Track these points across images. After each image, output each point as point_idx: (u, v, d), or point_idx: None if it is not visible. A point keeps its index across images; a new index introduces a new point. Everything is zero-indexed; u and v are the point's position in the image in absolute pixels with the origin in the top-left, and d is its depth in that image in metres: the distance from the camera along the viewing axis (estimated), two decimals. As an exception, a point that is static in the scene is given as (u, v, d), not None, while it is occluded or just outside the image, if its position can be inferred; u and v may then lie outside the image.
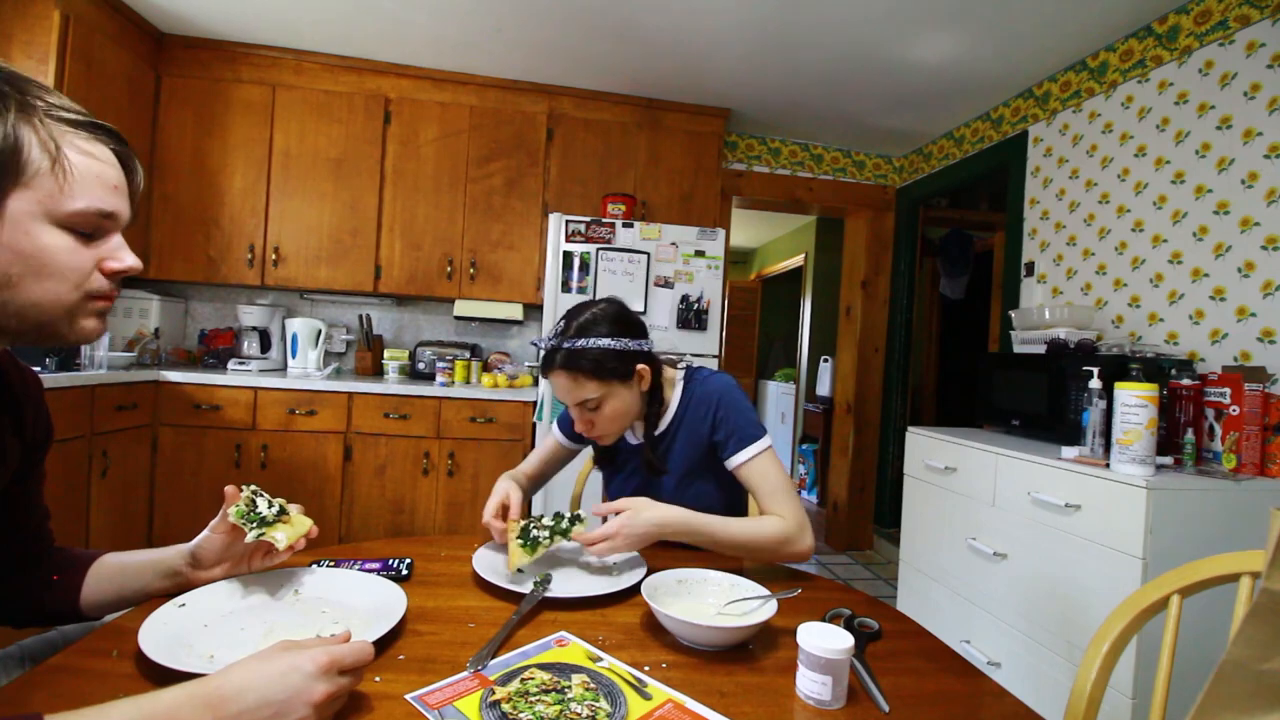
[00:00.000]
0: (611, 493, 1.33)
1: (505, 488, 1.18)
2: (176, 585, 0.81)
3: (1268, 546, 0.48)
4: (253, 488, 0.85)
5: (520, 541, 0.97)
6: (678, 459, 1.21)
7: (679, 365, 1.28)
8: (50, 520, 0.83)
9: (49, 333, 0.62)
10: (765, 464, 1.13)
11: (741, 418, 1.15)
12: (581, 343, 1.09)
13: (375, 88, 2.94)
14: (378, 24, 2.60)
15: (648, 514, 1.01)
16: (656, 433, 1.22)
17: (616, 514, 1.01)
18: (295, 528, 0.85)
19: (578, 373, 1.09)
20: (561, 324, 1.14)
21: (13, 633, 0.80)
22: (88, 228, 0.61)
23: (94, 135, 0.61)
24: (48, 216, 0.58)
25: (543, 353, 1.15)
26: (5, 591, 0.78)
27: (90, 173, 0.60)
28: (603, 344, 1.09)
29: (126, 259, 0.64)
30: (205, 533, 0.82)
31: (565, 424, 1.35)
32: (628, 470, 1.28)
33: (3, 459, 0.71)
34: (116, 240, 0.64)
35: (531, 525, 1.00)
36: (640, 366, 1.14)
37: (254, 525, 0.81)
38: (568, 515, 1.03)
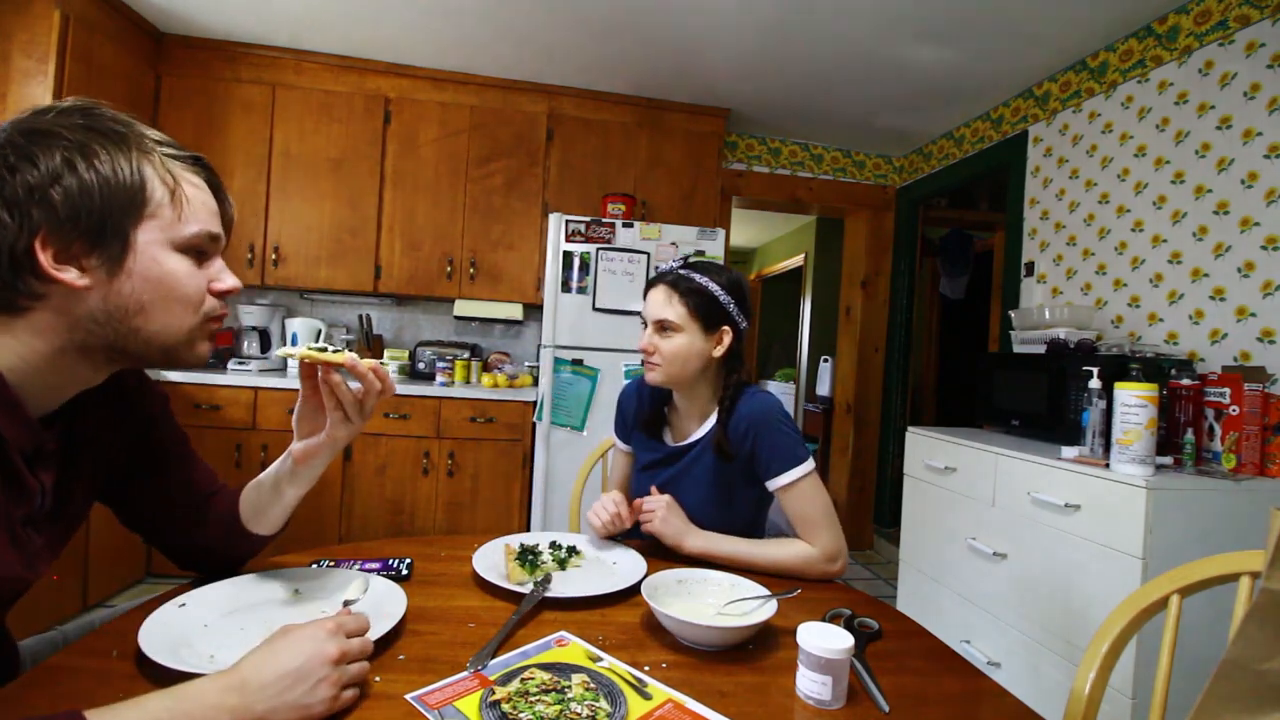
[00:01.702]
0: (638, 482, 1.30)
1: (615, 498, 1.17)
2: (307, 475, 0.86)
3: (1268, 546, 0.48)
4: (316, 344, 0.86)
5: (519, 562, 0.97)
6: (706, 467, 1.20)
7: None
8: (208, 477, 0.89)
9: (172, 356, 0.67)
10: (805, 489, 1.12)
11: (781, 440, 1.14)
12: (696, 275, 1.18)
13: (375, 88, 2.94)
14: (378, 24, 2.60)
15: (690, 542, 1.09)
16: (692, 438, 1.23)
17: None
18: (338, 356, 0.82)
19: (675, 293, 1.17)
20: (690, 258, 1.22)
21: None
22: (200, 248, 0.66)
23: (194, 167, 0.67)
24: (170, 243, 0.64)
25: (659, 273, 1.22)
26: (183, 548, 0.88)
27: (198, 200, 0.66)
28: (710, 286, 1.17)
29: (228, 280, 0.70)
30: (296, 408, 0.84)
31: (617, 429, 1.40)
32: (659, 469, 1.27)
33: (113, 453, 0.78)
34: (219, 263, 0.70)
35: (531, 552, 1.02)
36: (725, 327, 1.19)
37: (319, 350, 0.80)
38: (565, 545, 1.07)
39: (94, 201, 0.59)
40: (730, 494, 1.19)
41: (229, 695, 0.54)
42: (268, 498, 0.87)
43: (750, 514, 1.22)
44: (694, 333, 1.17)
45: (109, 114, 0.63)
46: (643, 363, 1.21)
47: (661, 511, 1.11)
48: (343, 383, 0.79)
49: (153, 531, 0.87)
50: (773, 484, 1.14)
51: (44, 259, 0.58)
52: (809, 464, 1.13)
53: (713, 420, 1.21)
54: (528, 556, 0.99)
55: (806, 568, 1.07)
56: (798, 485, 1.12)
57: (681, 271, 1.19)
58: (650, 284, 1.22)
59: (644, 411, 1.31)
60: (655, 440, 1.29)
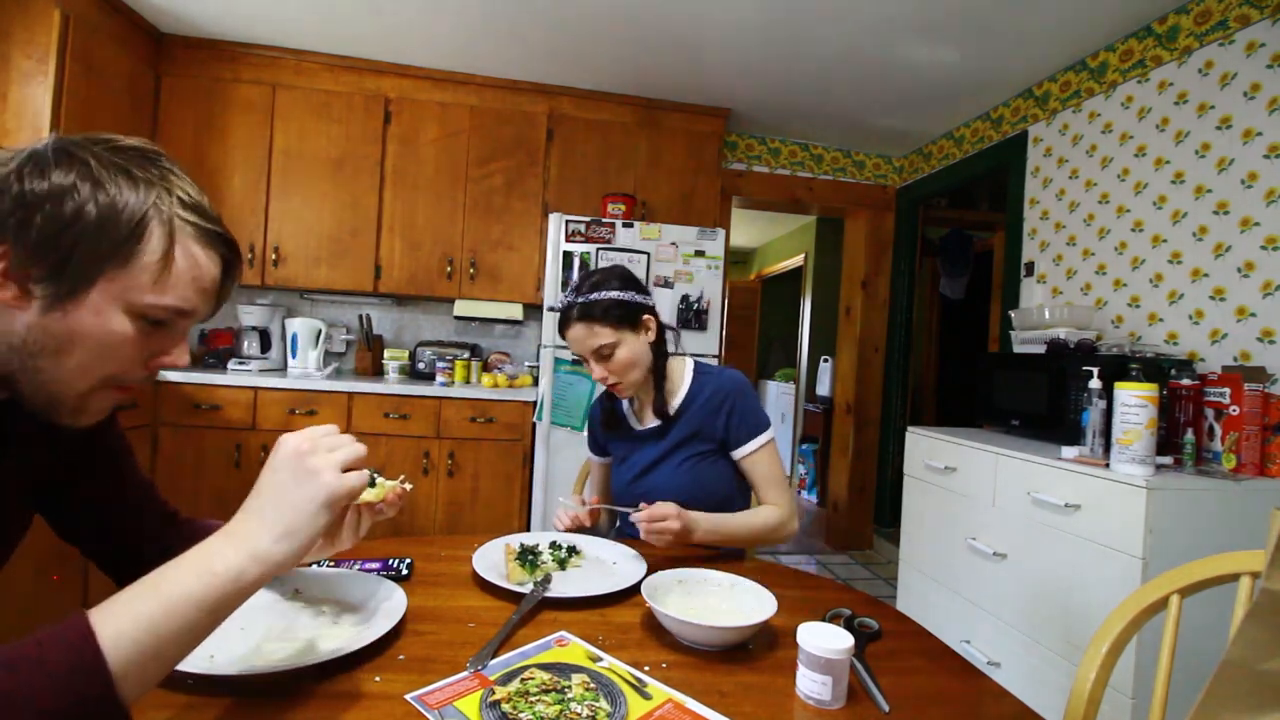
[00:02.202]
0: (619, 475, 1.37)
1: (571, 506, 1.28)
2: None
3: (1267, 546, 0.48)
4: None
5: (519, 562, 0.97)
6: (685, 439, 1.28)
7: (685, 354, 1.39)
8: (158, 501, 0.85)
9: (52, 409, 0.60)
10: (766, 455, 1.27)
11: (750, 410, 1.27)
12: (594, 295, 1.23)
13: (375, 88, 2.94)
14: (378, 24, 2.60)
15: (697, 535, 1.14)
16: (655, 423, 1.31)
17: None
18: (380, 489, 0.79)
19: (592, 321, 1.22)
20: (575, 284, 1.27)
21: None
22: (159, 318, 0.59)
23: (211, 243, 0.61)
24: (125, 304, 0.57)
25: (559, 313, 1.27)
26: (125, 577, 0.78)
27: (188, 275, 0.59)
28: (612, 295, 1.23)
29: (181, 359, 0.63)
30: None
31: (592, 444, 1.47)
32: (634, 455, 1.35)
33: (37, 463, 0.71)
34: (179, 338, 0.63)
35: (531, 552, 1.02)
36: (646, 316, 1.27)
37: None
38: (566, 545, 1.08)
39: (72, 238, 0.54)
40: (701, 465, 1.27)
41: (235, 541, 0.52)
42: None
43: (727, 482, 1.29)
44: (627, 337, 1.24)
45: (159, 161, 0.59)
46: (608, 388, 1.29)
47: (674, 524, 1.08)
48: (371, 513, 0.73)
49: (89, 546, 0.80)
50: (740, 451, 1.26)
51: None
52: (771, 430, 1.28)
53: (684, 391, 1.31)
54: (528, 557, 0.99)
55: (781, 526, 1.22)
56: (763, 450, 1.26)
57: (581, 301, 1.23)
58: (561, 325, 1.26)
59: (604, 414, 1.40)
60: (624, 431, 1.37)
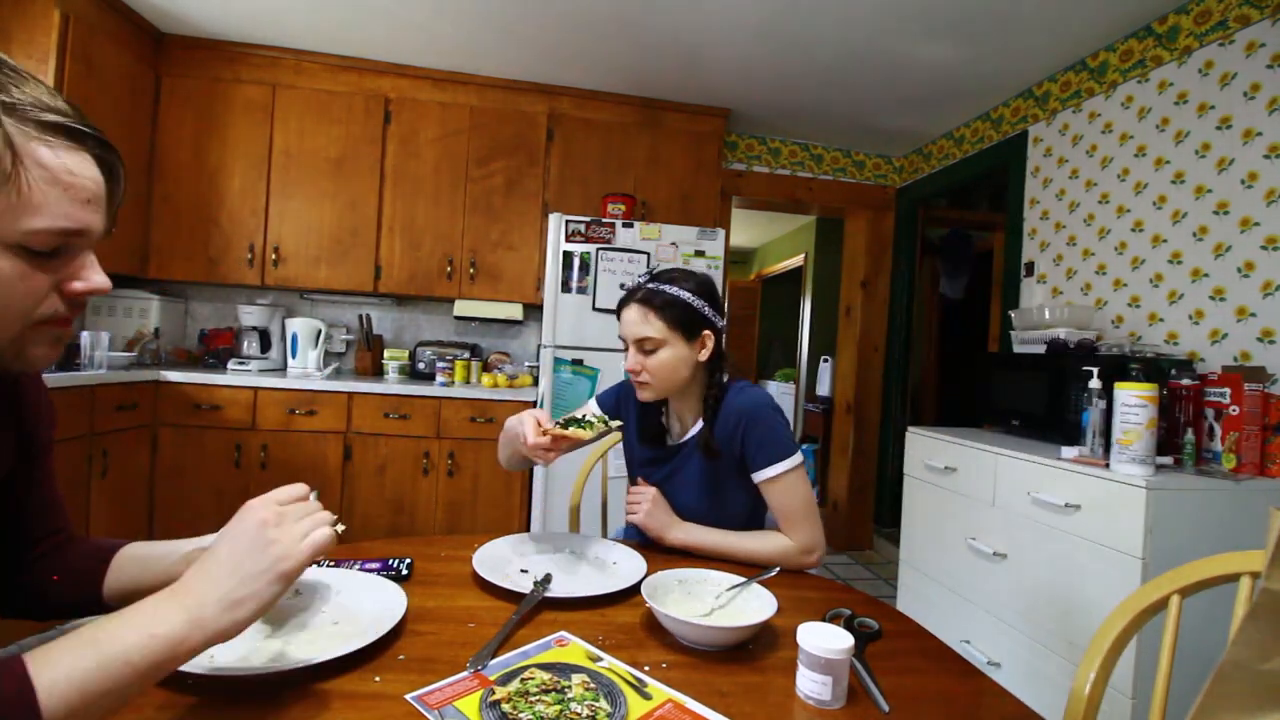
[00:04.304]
0: (634, 479, 1.34)
1: (530, 412, 1.11)
2: None
3: (1267, 546, 0.48)
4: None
5: (574, 428, 1.03)
6: (697, 465, 1.21)
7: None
8: (59, 513, 0.78)
9: None
10: (787, 484, 1.14)
11: (768, 434, 1.15)
12: (664, 286, 1.17)
13: (375, 88, 2.94)
14: (378, 24, 2.60)
15: (672, 534, 1.14)
16: (685, 438, 1.24)
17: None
18: None
19: (649, 309, 1.15)
20: (654, 269, 1.22)
21: (14, 632, 0.80)
22: (45, 247, 0.52)
23: (72, 142, 0.53)
24: None
25: (626, 291, 1.21)
26: (12, 587, 0.74)
27: (55, 189, 0.51)
28: (681, 294, 1.16)
29: (94, 279, 0.56)
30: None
31: (605, 403, 1.36)
32: (657, 467, 1.28)
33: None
34: (85, 258, 0.56)
35: (570, 417, 1.08)
36: (706, 332, 1.18)
37: None
38: (598, 416, 1.13)
39: None
40: (721, 491, 1.20)
41: (179, 598, 0.50)
42: (154, 567, 0.74)
43: (744, 510, 1.22)
44: (677, 344, 1.16)
45: None
46: (633, 381, 1.21)
47: (646, 505, 1.15)
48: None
49: None
50: (757, 476, 1.16)
51: None
52: (795, 459, 1.15)
53: (700, 424, 1.22)
54: (575, 422, 1.06)
55: (783, 560, 1.09)
56: (782, 479, 1.14)
57: (650, 285, 1.18)
58: (621, 303, 1.21)
59: (648, 426, 1.30)
60: (655, 440, 1.30)
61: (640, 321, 1.16)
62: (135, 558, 0.76)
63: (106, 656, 0.47)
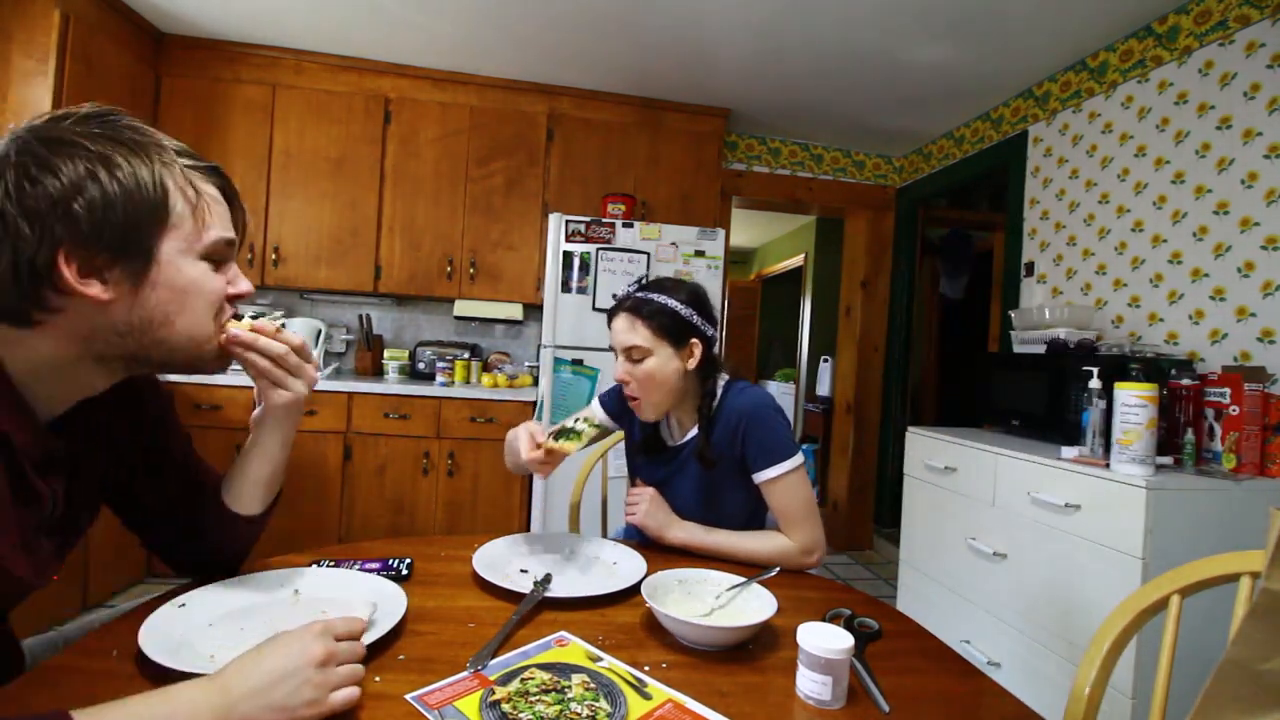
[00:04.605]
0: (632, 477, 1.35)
1: (525, 426, 1.15)
2: (261, 446, 0.85)
3: (1267, 546, 0.48)
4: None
5: (563, 440, 1.03)
6: (695, 467, 1.21)
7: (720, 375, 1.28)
8: (215, 477, 0.88)
9: (196, 364, 0.69)
10: (788, 484, 1.14)
11: (768, 435, 1.15)
12: (652, 295, 1.18)
13: (375, 88, 2.94)
14: (378, 24, 2.60)
15: (672, 534, 1.14)
16: (683, 440, 1.24)
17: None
18: None
19: (637, 318, 1.17)
20: (644, 279, 1.24)
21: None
22: (219, 256, 0.68)
23: (208, 175, 0.68)
24: (193, 252, 0.65)
25: (617, 300, 1.24)
26: (192, 550, 0.86)
27: (216, 209, 0.67)
28: (669, 303, 1.17)
29: (243, 284, 0.72)
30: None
31: (609, 406, 1.39)
32: (656, 469, 1.29)
33: (121, 459, 0.78)
34: (234, 268, 0.71)
35: (562, 426, 1.09)
36: (694, 340, 1.19)
37: None
38: (590, 422, 1.14)
39: (117, 214, 0.58)
40: (719, 493, 1.20)
41: (212, 697, 0.54)
42: (236, 472, 0.85)
43: (743, 512, 1.22)
44: (664, 351, 1.17)
45: (127, 122, 0.63)
46: (627, 395, 1.21)
47: (645, 505, 1.15)
48: (247, 354, 0.76)
49: (154, 533, 0.85)
50: (758, 477, 1.16)
51: (68, 273, 0.57)
52: (795, 459, 1.15)
53: (695, 431, 1.22)
54: (565, 433, 1.06)
55: (784, 560, 1.09)
56: (782, 480, 1.14)
57: (639, 295, 1.19)
58: (611, 312, 1.22)
59: (646, 437, 1.30)
60: (653, 442, 1.30)
61: (628, 330, 1.18)
62: (230, 477, 0.86)
63: None
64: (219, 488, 0.86)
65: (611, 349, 1.23)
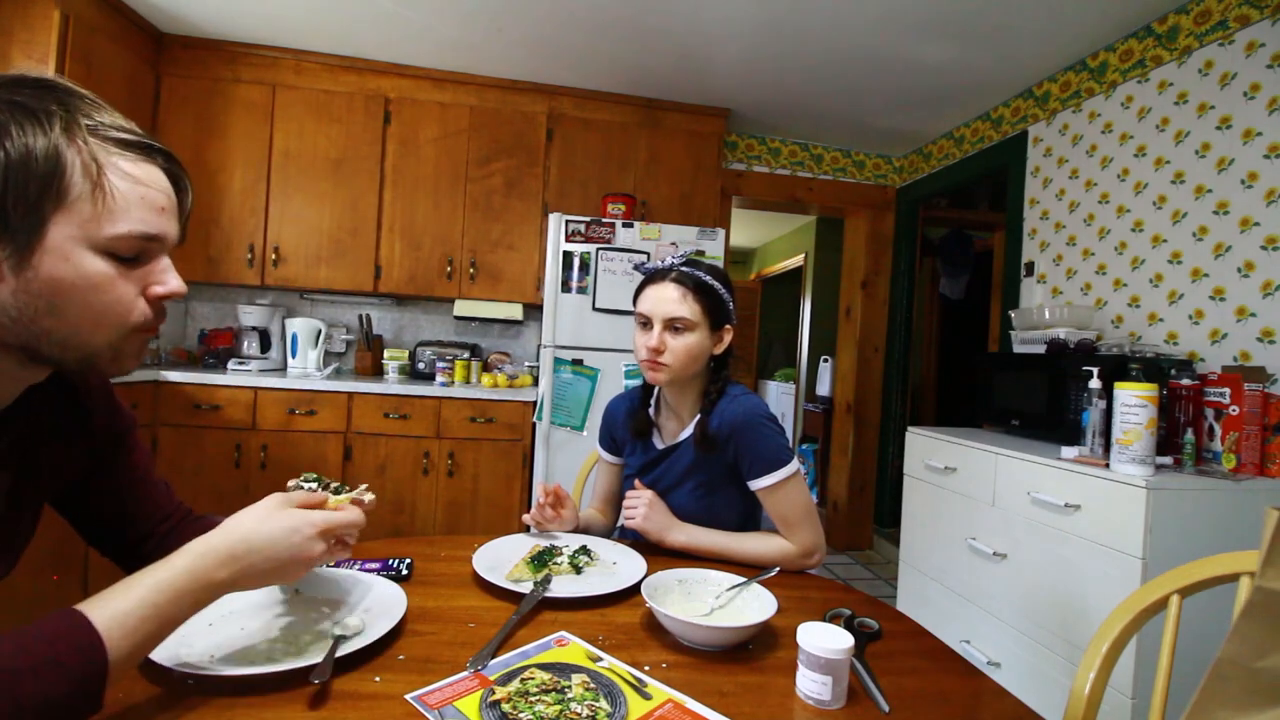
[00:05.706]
0: (628, 485, 1.30)
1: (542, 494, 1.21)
2: None
3: (1262, 544, 0.48)
4: (305, 476, 0.82)
5: (532, 564, 0.98)
6: (691, 466, 1.20)
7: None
8: (164, 500, 0.84)
9: (90, 365, 0.60)
10: (784, 491, 1.13)
11: (763, 443, 1.14)
12: (701, 274, 1.17)
13: (375, 88, 2.94)
14: (378, 24, 2.60)
15: (672, 536, 1.13)
16: (678, 439, 1.23)
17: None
18: (343, 498, 0.79)
19: (688, 290, 1.15)
20: (684, 255, 1.22)
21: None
22: (130, 252, 0.58)
23: (143, 155, 0.59)
24: (88, 242, 0.55)
25: (654, 269, 1.20)
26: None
27: (134, 195, 0.57)
28: (717, 286, 1.18)
29: (171, 282, 0.61)
30: None
31: (603, 441, 1.38)
32: (648, 472, 1.27)
33: (69, 458, 0.74)
34: (163, 263, 0.61)
35: (546, 556, 1.01)
36: (728, 327, 1.21)
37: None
38: (575, 547, 1.07)
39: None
40: (713, 495, 1.19)
41: (223, 568, 0.58)
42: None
43: (738, 512, 1.21)
44: (703, 332, 1.16)
45: (50, 89, 0.56)
46: (644, 362, 1.17)
47: (643, 508, 1.14)
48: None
49: (114, 550, 0.82)
50: (754, 485, 1.15)
51: None
52: (790, 466, 1.13)
53: (698, 418, 1.20)
54: (541, 559, 0.99)
55: (784, 562, 1.09)
56: (778, 488, 1.13)
57: (686, 270, 1.17)
58: (652, 279, 1.19)
59: (635, 422, 1.28)
60: (645, 443, 1.29)
61: (678, 300, 1.15)
62: None
63: (159, 590, 0.56)
64: (200, 526, 0.82)
65: (642, 316, 1.18)
